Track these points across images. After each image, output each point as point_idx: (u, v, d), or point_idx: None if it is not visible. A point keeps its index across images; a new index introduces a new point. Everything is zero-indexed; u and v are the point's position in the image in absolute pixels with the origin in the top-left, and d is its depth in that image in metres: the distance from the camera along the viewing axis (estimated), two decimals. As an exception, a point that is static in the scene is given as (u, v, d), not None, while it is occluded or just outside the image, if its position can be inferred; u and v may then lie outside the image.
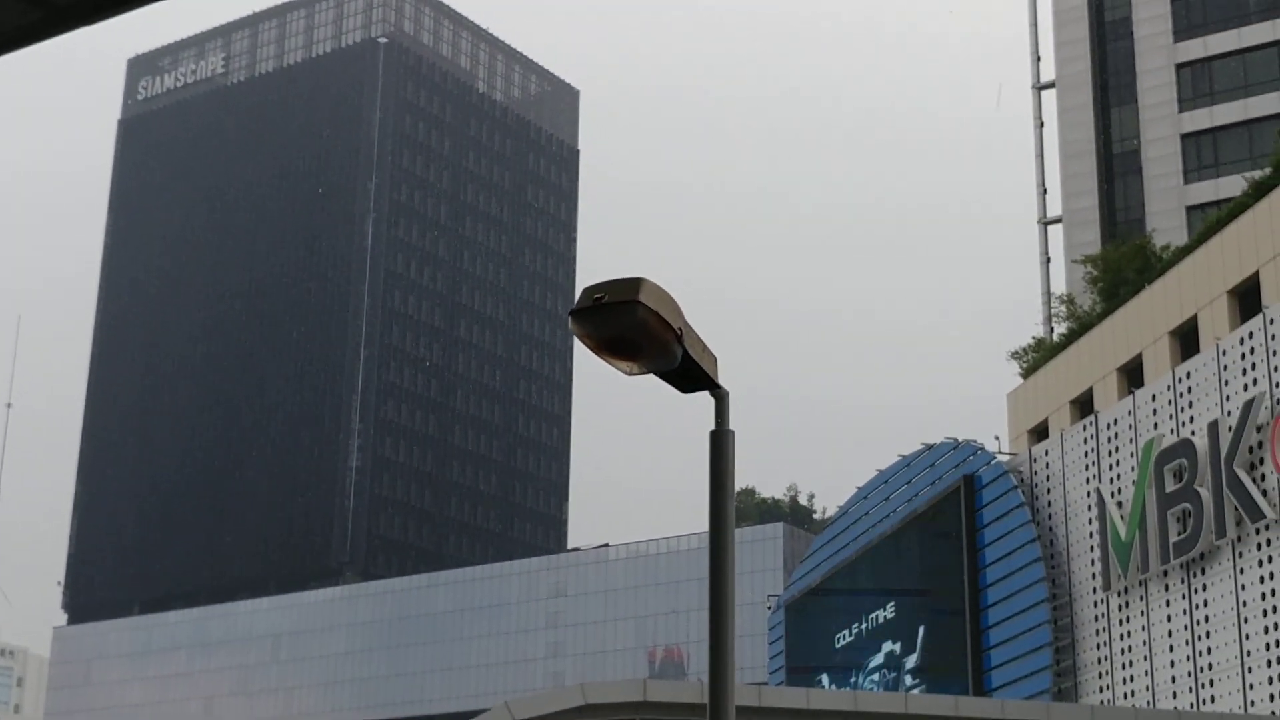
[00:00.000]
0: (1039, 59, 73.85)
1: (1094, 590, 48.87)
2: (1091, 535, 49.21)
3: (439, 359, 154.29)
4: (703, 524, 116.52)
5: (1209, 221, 51.88)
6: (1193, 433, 44.38)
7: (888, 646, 61.36)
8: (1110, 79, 68.79)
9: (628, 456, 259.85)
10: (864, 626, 63.83)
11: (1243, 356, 42.87)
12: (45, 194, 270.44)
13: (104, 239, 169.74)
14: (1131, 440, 47.53)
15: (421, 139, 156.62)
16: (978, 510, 54.46)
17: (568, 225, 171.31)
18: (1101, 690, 47.93)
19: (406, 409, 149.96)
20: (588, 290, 8.19)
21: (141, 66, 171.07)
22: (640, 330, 8.10)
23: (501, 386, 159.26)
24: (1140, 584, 46.51)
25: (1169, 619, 45.24)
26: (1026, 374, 59.99)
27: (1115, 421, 48.71)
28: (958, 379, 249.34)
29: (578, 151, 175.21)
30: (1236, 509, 42.15)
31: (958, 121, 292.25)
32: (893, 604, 62.11)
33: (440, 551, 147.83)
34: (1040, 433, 55.97)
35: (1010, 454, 56.06)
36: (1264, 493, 41.37)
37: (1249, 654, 41.69)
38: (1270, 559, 41.25)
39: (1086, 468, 49.81)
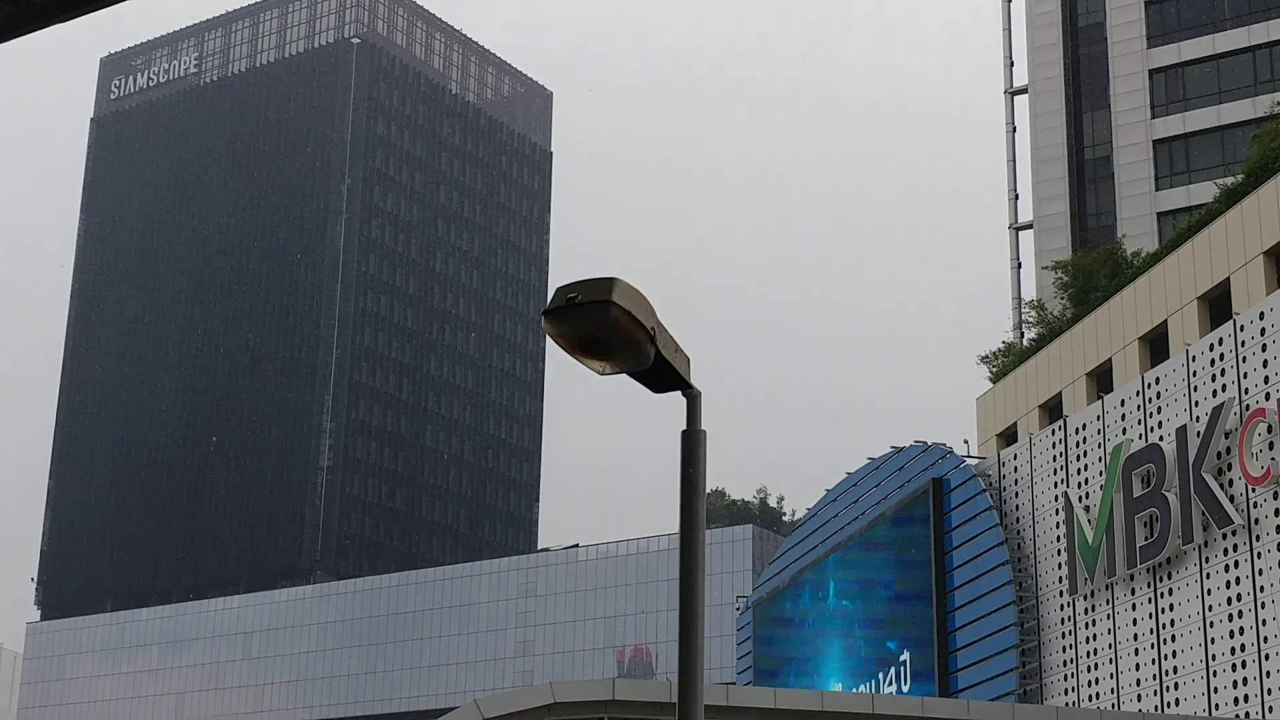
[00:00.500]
0: (1012, 64, 74.13)
1: (1060, 593, 49.14)
2: (1059, 539, 49.47)
3: (410, 360, 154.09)
4: (671, 525, 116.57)
5: (1180, 228, 52.19)
6: (1161, 438, 44.65)
7: (856, 647, 61.61)
8: (1083, 84, 69.11)
9: (598, 457, 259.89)
10: (832, 628, 64.05)
11: (1212, 363, 43.16)
12: (18, 191, 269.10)
13: (77, 237, 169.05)
14: (1100, 445, 47.79)
15: (394, 140, 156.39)
16: (946, 513, 54.69)
17: (540, 227, 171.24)
18: (1067, 692, 48.19)
19: (378, 409, 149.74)
20: (561, 290, 8.26)
21: (114, 66, 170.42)
22: (613, 330, 8.18)
23: (473, 387, 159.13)
24: (1106, 588, 46.77)
25: (1134, 622, 45.51)
26: (996, 378, 60.27)
27: (1084, 426, 48.97)
28: (928, 378, 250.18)
29: (550, 154, 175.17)
30: (1204, 514, 42.43)
31: (935, 114, 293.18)
32: (861, 606, 62.36)
33: (411, 551, 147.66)
34: (1009, 436, 56.24)
35: (979, 457, 56.33)
36: (1231, 499, 41.65)
37: (1214, 658, 41.99)
38: (1236, 564, 41.55)
39: (1055, 472, 50.07)
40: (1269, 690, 39.73)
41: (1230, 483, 41.90)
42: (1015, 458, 52.76)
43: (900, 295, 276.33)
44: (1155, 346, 48.95)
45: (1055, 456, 50.15)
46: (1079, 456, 48.90)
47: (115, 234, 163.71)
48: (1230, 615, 41.54)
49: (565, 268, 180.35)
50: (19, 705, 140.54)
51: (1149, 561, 44.52)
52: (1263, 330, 41.12)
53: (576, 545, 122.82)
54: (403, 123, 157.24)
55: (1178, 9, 66.08)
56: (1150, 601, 44.85)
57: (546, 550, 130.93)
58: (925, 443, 58.10)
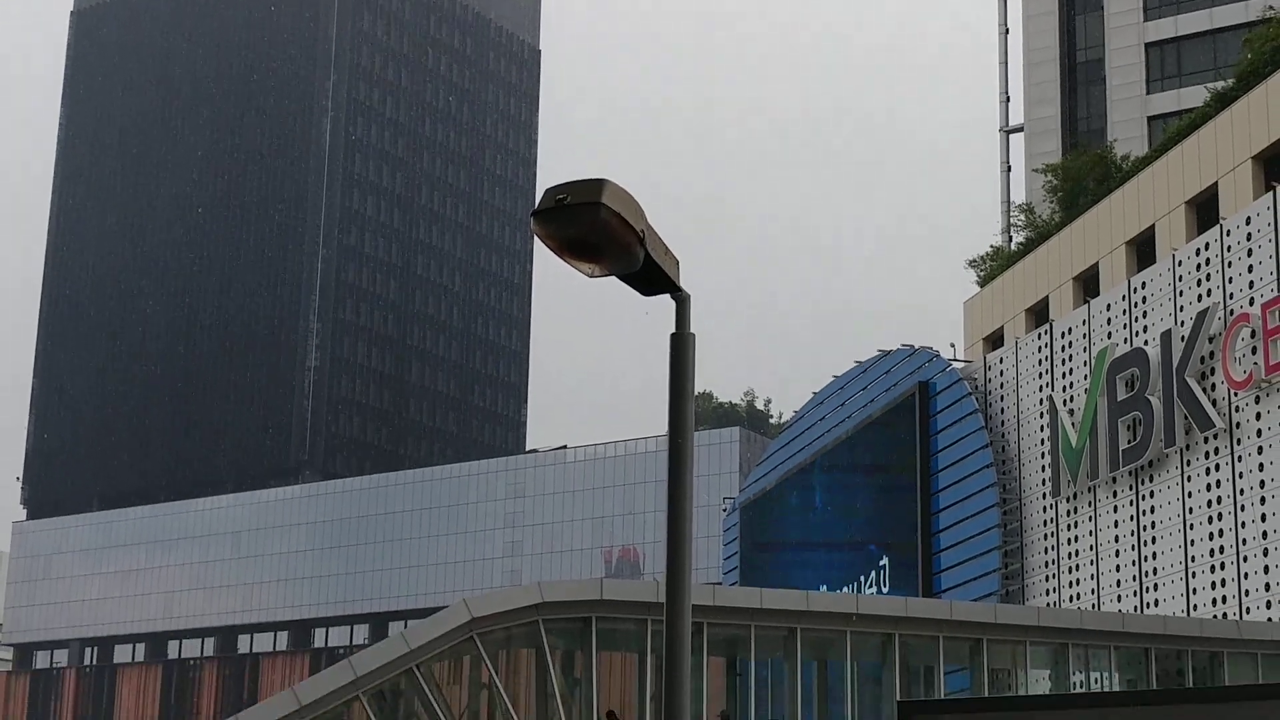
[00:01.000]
0: (1005, -35, 73.51)
1: (1044, 496, 49.56)
2: (1043, 442, 49.81)
3: (397, 260, 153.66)
4: (659, 427, 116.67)
5: (1169, 132, 52.06)
6: (1146, 342, 44.85)
7: (841, 549, 62.14)
8: (1075, -13, 68.57)
9: (587, 360, 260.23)
10: (817, 530, 64.57)
11: (1198, 267, 43.27)
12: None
13: (58, 133, 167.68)
14: (1085, 349, 48.00)
15: (380, 36, 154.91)
16: (931, 416, 54.98)
17: (528, 126, 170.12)
18: (1048, 593, 48.76)
19: (365, 309, 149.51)
20: (550, 191, 8.25)
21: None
22: (602, 232, 8.19)
23: (460, 288, 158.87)
24: (1089, 490, 47.18)
25: (1116, 525, 45.96)
26: (983, 282, 60.34)
27: (1070, 330, 49.15)
28: (917, 283, 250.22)
29: (539, 51, 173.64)
30: (1186, 418, 42.73)
31: (926, 23, 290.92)
32: (846, 508, 62.82)
33: (399, 452, 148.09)
34: (995, 341, 56.43)
35: (965, 361, 56.54)
36: (1214, 403, 41.94)
37: (1193, 559, 42.47)
38: (1217, 467, 41.91)
39: (1040, 376, 50.31)
40: (1246, 591, 40.23)
41: (1213, 387, 42.17)
42: (1001, 362, 52.98)
43: (890, 204, 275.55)
44: (1142, 251, 49.02)
45: (1041, 361, 50.37)
46: (1064, 361, 49.12)
47: (97, 133, 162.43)
48: (1210, 518, 41.97)
49: (553, 170, 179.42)
50: (5, 604, 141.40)
51: (1131, 465, 44.88)
52: (1249, 235, 41.19)
53: (564, 447, 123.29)
54: (388, 18, 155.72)
55: (1172, -90, 65.40)
56: (1132, 504, 45.27)
57: (535, 452, 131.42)
58: (912, 347, 58.27)
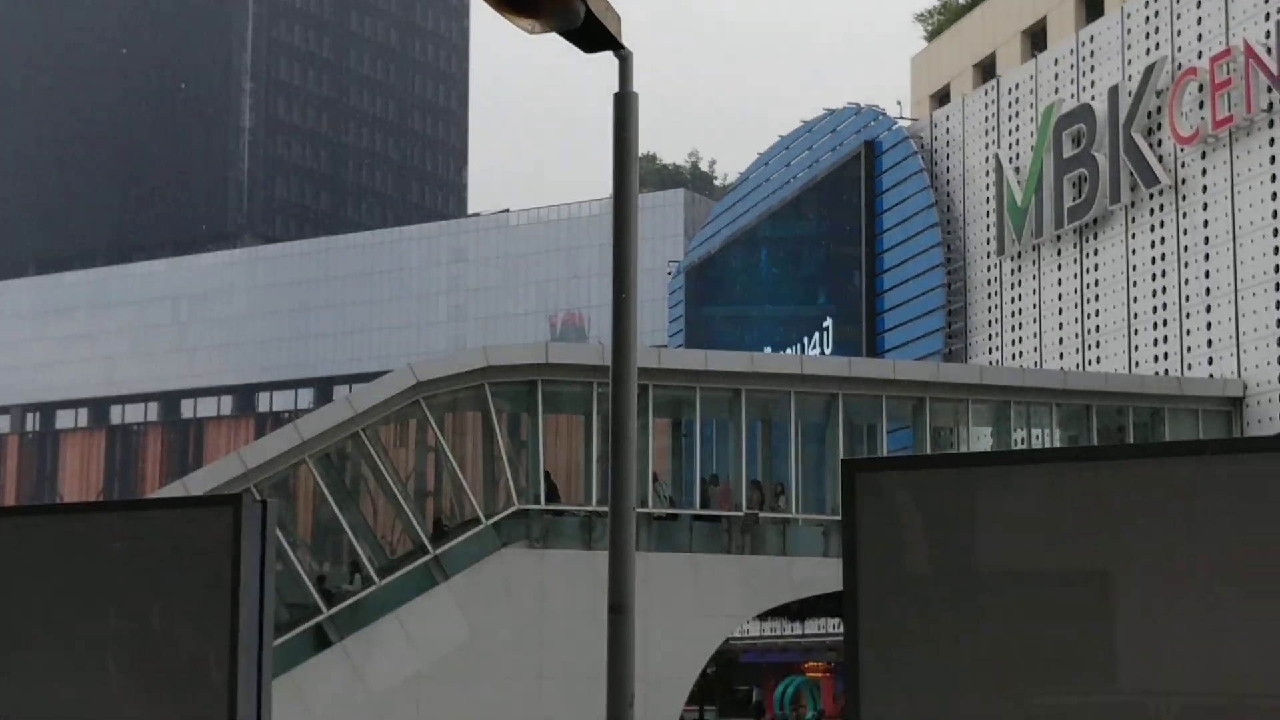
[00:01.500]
0: None
1: (988, 255, 49.60)
2: (988, 200, 49.66)
3: (331, 16, 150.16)
4: (603, 190, 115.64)
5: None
6: (1093, 97, 44.42)
7: (785, 311, 62.32)
8: None
9: (527, 121, 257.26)
10: (762, 292, 64.65)
11: (1147, 20, 42.63)
12: None
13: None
14: (1032, 105, 47.55)
15: None
16: (876, 176, 54.65)
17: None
18: (991, 351, 49.14)
19: (299, 68, 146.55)
20: (486, -57, 7.74)
21: None
22: (541, -16, 7.72)
23: (397, 46, 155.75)
24: (1033, 249, 47.21)
25: (1060, 283, 46.12)
26: (931, 36, 59.44)
27: (1017, 86, 48.60)
28: (867, 38, 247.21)
29: None
30: (1131, 174, 42.57)
31: None
32: (791, 269, 62.82)
33: (338, 215, 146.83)
34: (942, 98, 55.82)
35: (911, 120, 55.98)
36: (1160, 158, 41.74)
37: (1135, 316, 42.75)
38: (1162, 224, 41.91)
39: (986, 133, 49.91)
40: (1188, 348, 40.61)
41: (1159, 143, 41.93)
42: (947, 119, 52.48)
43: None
44: (1091, 3, 48.23)
45: (988, 118, 49.91)
46: (1011, 117, 48.69)
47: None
48: (1154, 275, 42.12)
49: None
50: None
51: (1076, 222, 44.84)
52: (1201, -12, 40.50)
53: (507, 210, 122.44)
54: None
55: None
56: (1076, 262, 45.36)
57: (477, 215, 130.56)
58: (858, 105, 57.59)
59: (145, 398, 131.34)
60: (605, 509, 5.44)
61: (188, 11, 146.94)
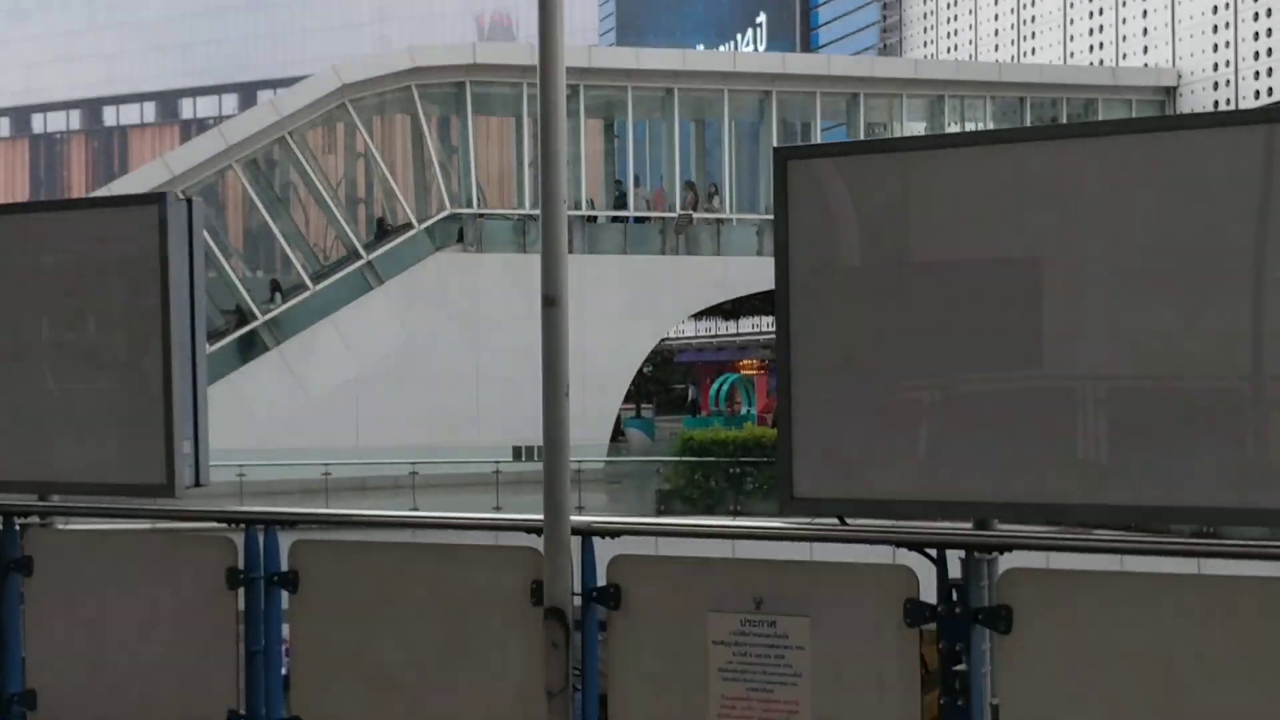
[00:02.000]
0: None
1: (924, -54, 48.70)
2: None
3: None
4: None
5: None
6: None
7: (718, 6, 61.27)
8: None
9: None
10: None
11: None
12: None
13: None
14: None
15: None
16: None
17: None
18: (926, 45, 48.67)
19: None
20: None
21: None
22: None
23: None
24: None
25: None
26: None
27: None
28: None
29: None
30: None
31: None
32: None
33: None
34: None
35: None
36: None
37: (1071, 6, 42.33)
38: None
39: None
40: (1123, 38, 40.35)
41: None
42: None
43: None
44: None
45: None
46: None
47: None
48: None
49: None
50: None
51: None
52: None
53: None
54: None
55: None
56: (1012, -47, 44.64)
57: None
58: None
59: (66, 105, 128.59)
60: (538, 212, 5.36)
61: None
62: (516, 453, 27.74)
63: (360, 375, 29.95)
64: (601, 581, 5.09)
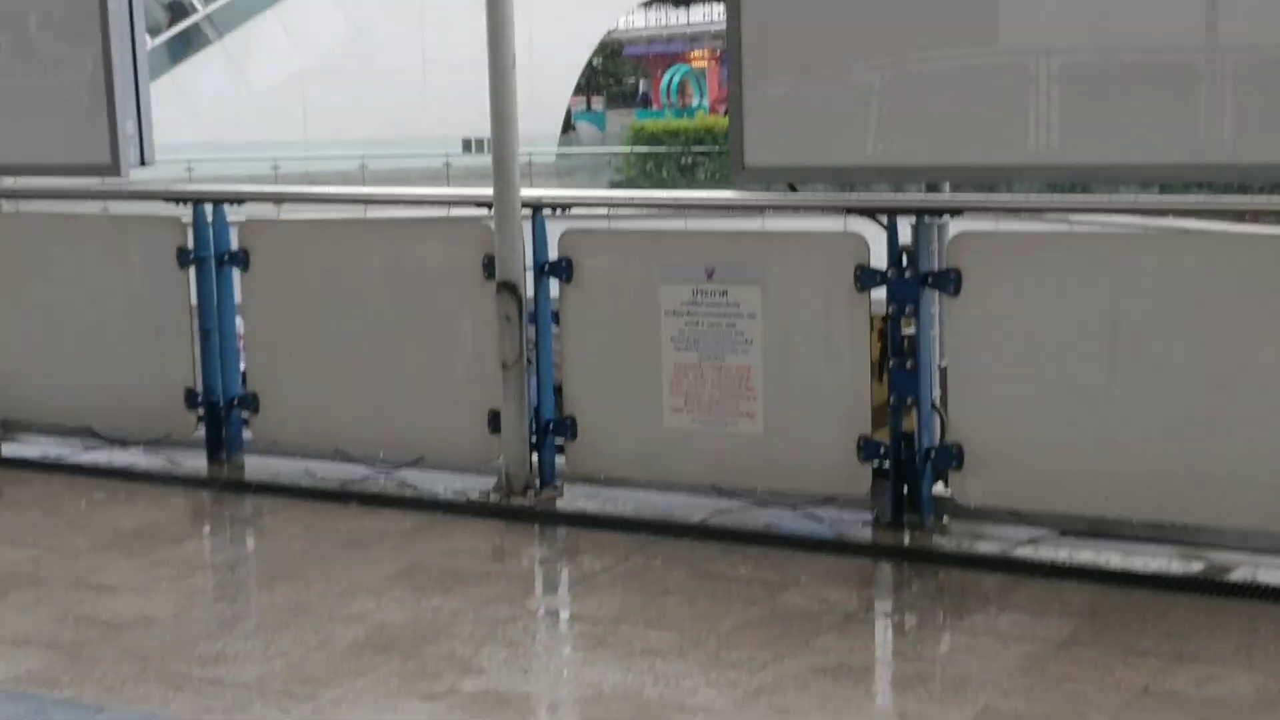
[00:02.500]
0: None
1: None
2: None
3: None
4: None
5: None
6: None
7: None
8: None
9: None
10: None
11: None
12: None
13: None
14: None
15: None
16: None
17: None
18: None
19: None
20: None
21: None
22: None
23: None
24: None
25: None
26: None
27: None
28: None
29: None
30: None
31: None
32: None
33: None
34: None
35: None
36: None
37: None
38: None
39: None
40: None
41: None
42: None
43: None
44: None
45: None
46: None
47: None
48: None
49: None
50: None
51: None
52: None
53: None
54: None
55: None
56: None
57: None
58: None
59: None
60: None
61: None
62: (466, 145, 27.54)
63: (305, 68, 29.44)
64: (554, 256, 5.10)
